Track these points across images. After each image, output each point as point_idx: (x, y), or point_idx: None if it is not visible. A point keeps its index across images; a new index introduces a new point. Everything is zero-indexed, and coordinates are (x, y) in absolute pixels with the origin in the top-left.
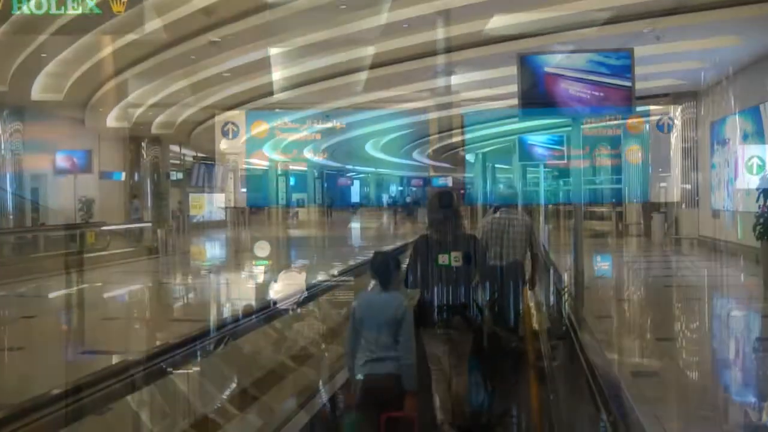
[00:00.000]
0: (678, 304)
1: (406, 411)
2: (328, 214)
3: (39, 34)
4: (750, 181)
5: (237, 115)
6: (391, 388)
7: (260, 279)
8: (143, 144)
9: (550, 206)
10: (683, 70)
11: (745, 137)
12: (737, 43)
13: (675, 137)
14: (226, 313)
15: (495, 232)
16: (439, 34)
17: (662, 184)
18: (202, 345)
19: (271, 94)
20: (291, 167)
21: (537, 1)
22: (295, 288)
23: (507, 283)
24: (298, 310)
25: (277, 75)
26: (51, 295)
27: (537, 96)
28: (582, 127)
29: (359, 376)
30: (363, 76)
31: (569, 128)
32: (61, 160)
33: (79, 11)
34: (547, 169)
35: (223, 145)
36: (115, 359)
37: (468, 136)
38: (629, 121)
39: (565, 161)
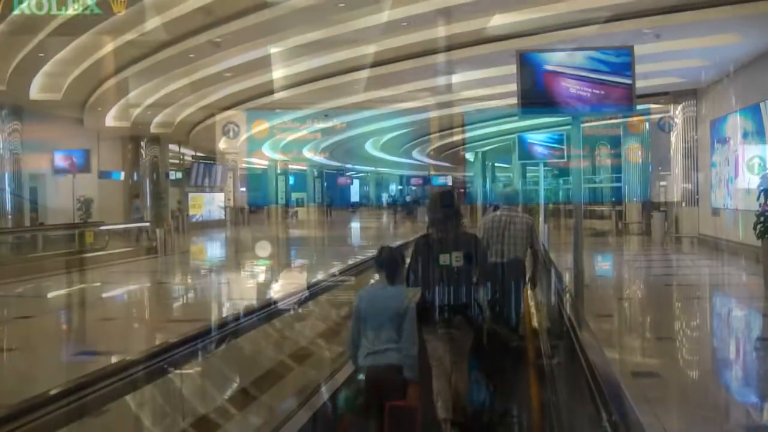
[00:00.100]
0: (678, 303)
1: (408, 400)
2: (328, 213)
3: (37, 33)
4: (750, 180)
5: (237, 114)
6: (393, 379)
7: (260, 278)
8: (142, 143)
9: (550, 205)
10: (683, 69)
11: (745, 136)
12: (737, 41)
13: (675, 136)
14: (225, 312)
15: (496, 230)
16: (439, 32)
17: (662, 183)
18: (201, 345)
19: (271, 93)
20: (290, 166)
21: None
22: (294, 287)
23: (508, 281)
24: (299, 310)
25: (277, 74)
26: (49, 295)
27: (537, 94)
28: (582, 125)
29: (362, 368)
30: (362, 74)
31: (569, 127)
32: (60, 160)
33: (80, 11)
34: (546, 168)
35: (223, 144)
36: (110, 360)
37: (468, 134)
38: (629, 119)
39: (565, 160)
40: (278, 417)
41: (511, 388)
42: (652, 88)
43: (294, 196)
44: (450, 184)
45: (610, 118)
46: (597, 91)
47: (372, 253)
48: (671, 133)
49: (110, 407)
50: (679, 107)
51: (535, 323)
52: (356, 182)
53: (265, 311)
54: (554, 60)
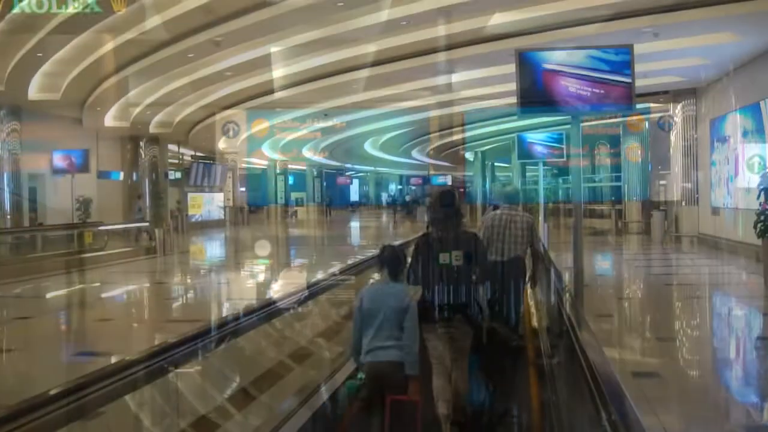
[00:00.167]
0: (678, 303)
1: (409, 395)
2: (327, 212)
3: (36, 32)
4: (750, 179)
5: (237, 113)
6: (394, 375)
7: (259, 278)
8: (141, 143)
9: (550, 204)
10: (683, 67)
11: (745, 134)
12: (737, 40)
13: (675, 135)
14: (224, 312)
15: (496, 229)
16: (438, 31)
17: (662, 182)
18: (200, 345)
19: (271, 92)
20: (290, 166)
21: None
22: (293, 287)
23: (508, 280)
24: (299, 309)
25: (277, 73)
26: (47, 296)
27: (536, 93)
28: (581, 124)
29: (364, 365)
30: (362, 74)
31: (569, 126)
32: (59, 160)
33: (80, 10)
34: (546, 167)
35: (223, 144)
36: (109, 360)
37: (467, 134)
38: (629, 118)
39: (565, 159)
40: (278, 417)
41: (510, 387)
42: (652, 87)
43: (293, 195)
44: (449, 183)
45: (610, 117)
46: (596, 90)
47: (372, 252)
48: (671, 132)
49: (109, 407)
50: (679, 106)
51: (534, 322)
52: (356, 182)
53: (265, 311)
54: (553, 59)
